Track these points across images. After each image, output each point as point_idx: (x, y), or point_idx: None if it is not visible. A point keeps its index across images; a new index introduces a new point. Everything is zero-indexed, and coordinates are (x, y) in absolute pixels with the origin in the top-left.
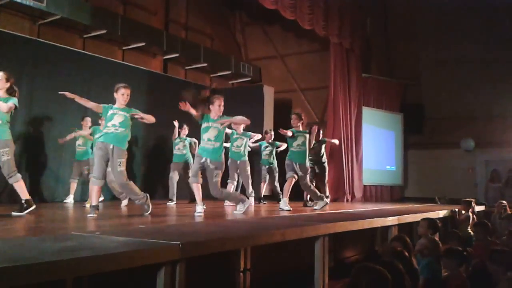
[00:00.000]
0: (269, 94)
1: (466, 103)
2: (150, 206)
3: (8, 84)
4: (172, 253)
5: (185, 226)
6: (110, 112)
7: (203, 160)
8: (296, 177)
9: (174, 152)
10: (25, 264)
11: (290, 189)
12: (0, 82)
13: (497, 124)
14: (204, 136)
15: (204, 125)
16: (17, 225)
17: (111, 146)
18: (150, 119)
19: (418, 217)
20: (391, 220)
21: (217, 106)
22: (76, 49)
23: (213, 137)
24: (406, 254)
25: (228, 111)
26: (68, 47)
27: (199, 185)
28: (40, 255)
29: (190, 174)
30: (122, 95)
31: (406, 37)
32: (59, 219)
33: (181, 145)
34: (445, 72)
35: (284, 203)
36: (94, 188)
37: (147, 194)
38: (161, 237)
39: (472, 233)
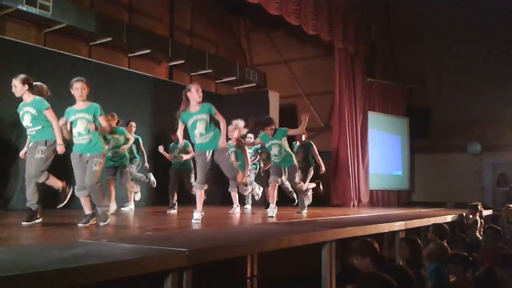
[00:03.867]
0: (274, 99)
1: (472, 107)
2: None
3: (26, 87)
4: (179, 260)
5: (192, 233)
6: (72, 117)
7: (207, 155)
8: (280, 181)
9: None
10: (33, 272)
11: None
12: (18, 90)
13: (504, 127)
14: (196, 132)
15: (189, 121)
16: (24, 233)
17: (82, 155)
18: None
19: (425, 222)
20: (398, 225)
21: (194, 92)
22: (82, 57)
23: (204, 130)
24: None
25: (234, 117)
26: (74, 55)
27: (203, 191)
28: (48, 263)
29: (196, 180)
30: (76, 89)
31: (411, 41)
32: (65, 227)
33: (175, 151)
34: (451, 76)
35: (272, 210)
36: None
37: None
38: (168, 244)
39: (480, 238)
